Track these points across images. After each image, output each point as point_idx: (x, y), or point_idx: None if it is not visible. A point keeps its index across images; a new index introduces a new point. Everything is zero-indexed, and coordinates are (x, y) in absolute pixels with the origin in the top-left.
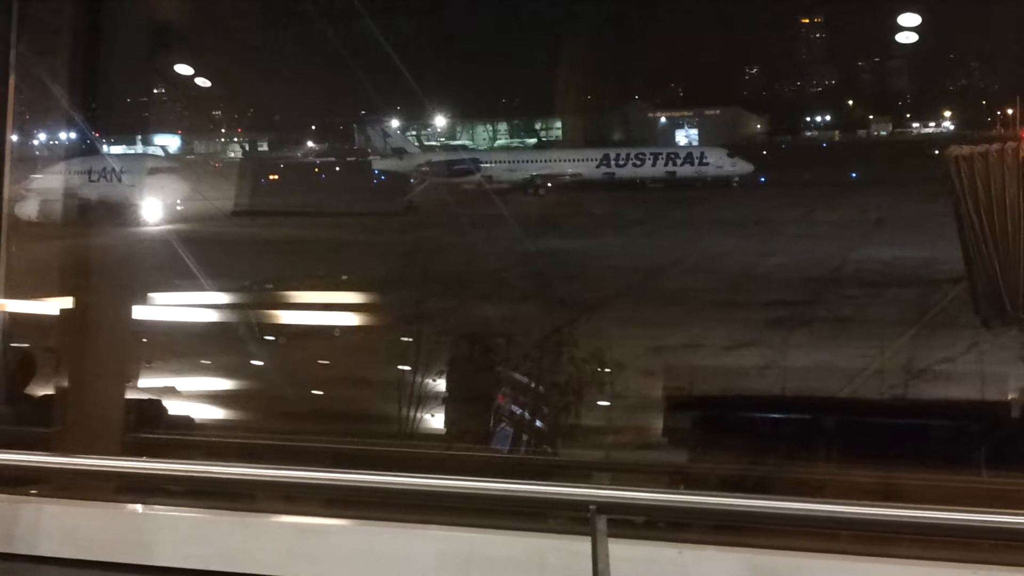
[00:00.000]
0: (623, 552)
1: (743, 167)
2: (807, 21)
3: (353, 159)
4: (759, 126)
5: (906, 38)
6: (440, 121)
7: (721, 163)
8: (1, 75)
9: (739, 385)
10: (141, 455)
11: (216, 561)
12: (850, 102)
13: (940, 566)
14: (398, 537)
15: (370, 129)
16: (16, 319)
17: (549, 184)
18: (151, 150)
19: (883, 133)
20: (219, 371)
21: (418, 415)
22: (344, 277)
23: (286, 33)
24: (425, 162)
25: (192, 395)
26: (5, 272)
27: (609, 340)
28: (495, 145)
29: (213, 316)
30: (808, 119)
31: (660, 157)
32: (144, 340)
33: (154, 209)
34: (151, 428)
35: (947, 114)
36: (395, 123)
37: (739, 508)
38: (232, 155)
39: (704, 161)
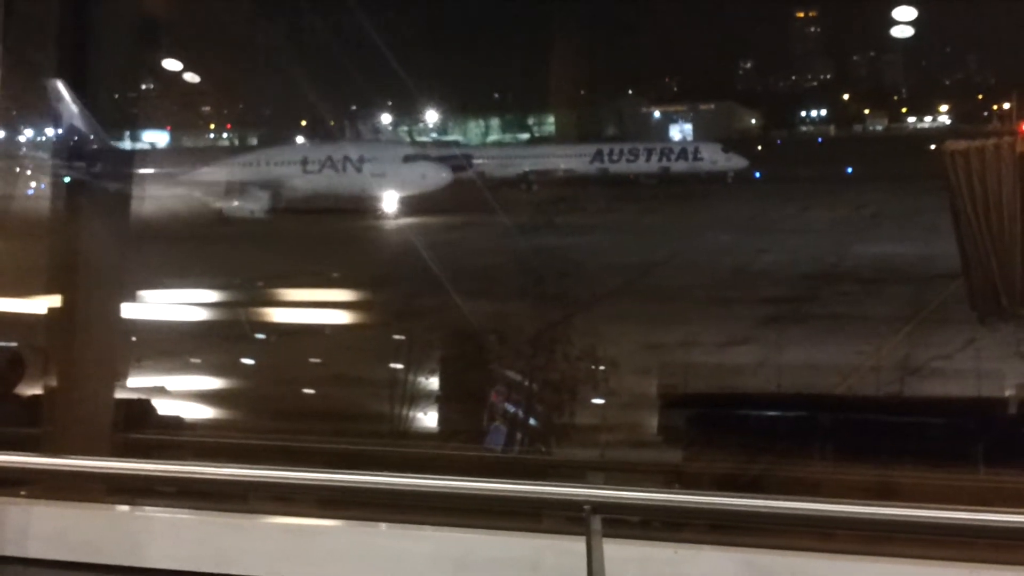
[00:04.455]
0: (618, 552)
1: (738, 162)
2: (802, 15)
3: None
4: (754, 121)
5: (902, 32)
6: (431, 116)
7: (715, 158)
8: None
9: (734, 383)
10: (132, 455)
11: (207, 562)
12: (845, 97)
13: (937, 565)
14: (391, 537)
15: (360, 124)
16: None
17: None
18: (139, 145)
19: (879, 128)
20: (214, 371)
21: (410, 414)
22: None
23: (275, 26)
24: None
25: (182, 394)
26: None
27: (602, 338)
28: (487, 140)
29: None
30: (803, 114)
31: (654, 152)
32: (134, 338)
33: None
34: (142, 428)
35: (944, 108)
36: (386, 118)
37: (735, 507)
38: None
39: (698, 156)
